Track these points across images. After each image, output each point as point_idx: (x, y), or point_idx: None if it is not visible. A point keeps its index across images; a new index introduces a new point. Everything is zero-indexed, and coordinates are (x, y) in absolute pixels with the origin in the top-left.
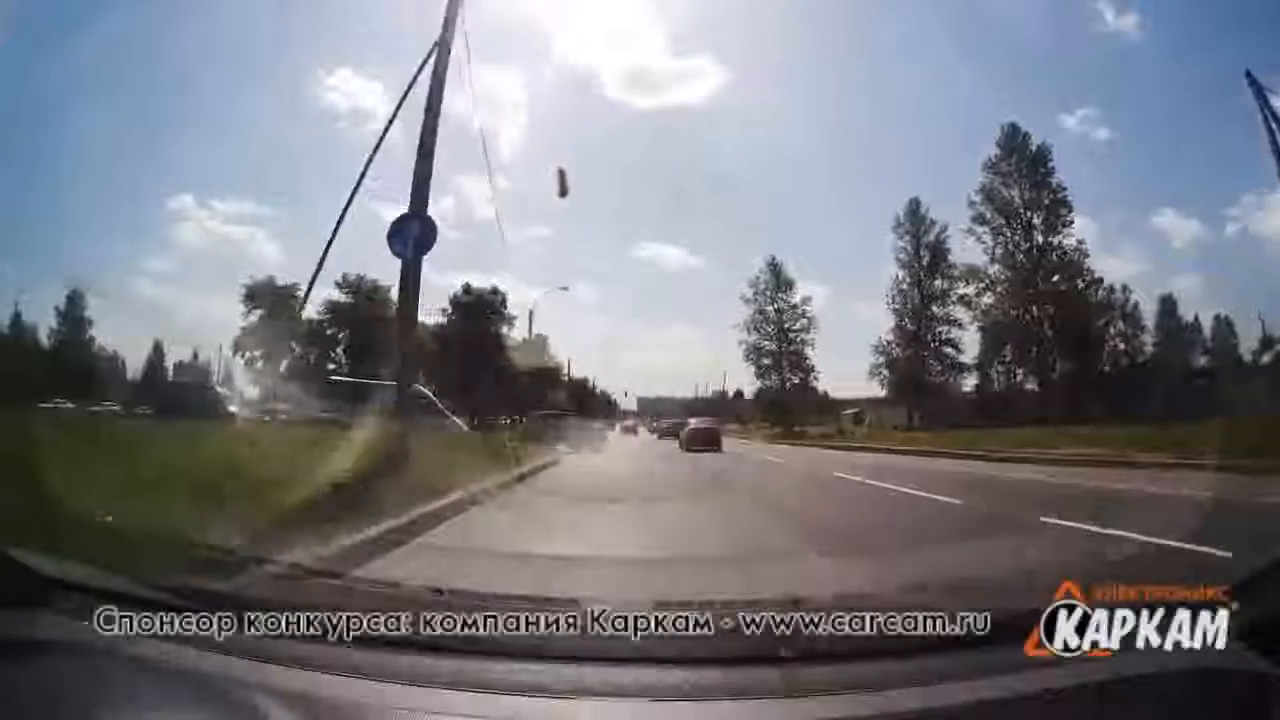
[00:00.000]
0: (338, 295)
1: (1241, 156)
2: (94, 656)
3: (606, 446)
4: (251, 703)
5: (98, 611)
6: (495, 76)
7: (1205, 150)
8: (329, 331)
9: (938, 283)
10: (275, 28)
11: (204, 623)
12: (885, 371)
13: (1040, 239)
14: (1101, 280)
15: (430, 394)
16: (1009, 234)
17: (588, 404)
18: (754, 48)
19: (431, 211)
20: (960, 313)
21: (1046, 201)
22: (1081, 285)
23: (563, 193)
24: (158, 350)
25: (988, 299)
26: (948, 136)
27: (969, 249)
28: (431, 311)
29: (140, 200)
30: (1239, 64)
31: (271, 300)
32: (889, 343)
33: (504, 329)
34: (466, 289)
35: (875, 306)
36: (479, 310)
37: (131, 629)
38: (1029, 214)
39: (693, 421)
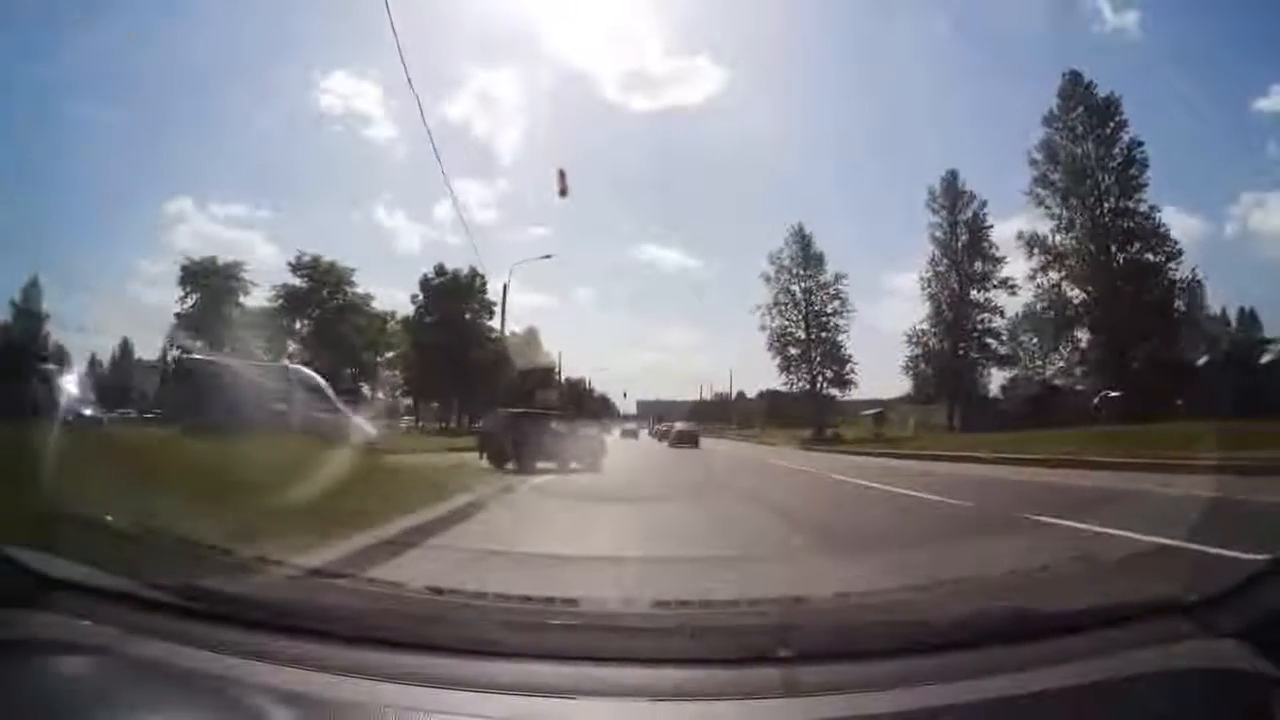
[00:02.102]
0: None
1: (1241, 154)
2: (94, 656)
3: (604, 460)
4: (251, 703)
5: (98, 611)
6: (493, 78)
7: (1205, 147)
8: (285, 321)
9: (978, 265)
10: (269, 29)
11: (204, 622)
12: (922, 365)
13: (1114, 202)
14: (1182, 252)
15: (314, 375)
16: (1079, 197)
17: (585, 406)
18: (750, 47)
19: (431, 214)
20: (1003, 298)
21: (1117, 160)
22: (1163, 257)
23: (563, 192)
24: (125, 346)
25: (1053, 274)
26: (946, 134)
27: (1011, 223)
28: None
29: (138, 203)
30: (1239, 61)
31: (212, 282)
32: (923, 332)
33: (485, 318)
34: (440, 270)
35: (875, 307)
36: (454, 295)
37: (131, 629)
38: (1099, 175)
39: (678, 425)
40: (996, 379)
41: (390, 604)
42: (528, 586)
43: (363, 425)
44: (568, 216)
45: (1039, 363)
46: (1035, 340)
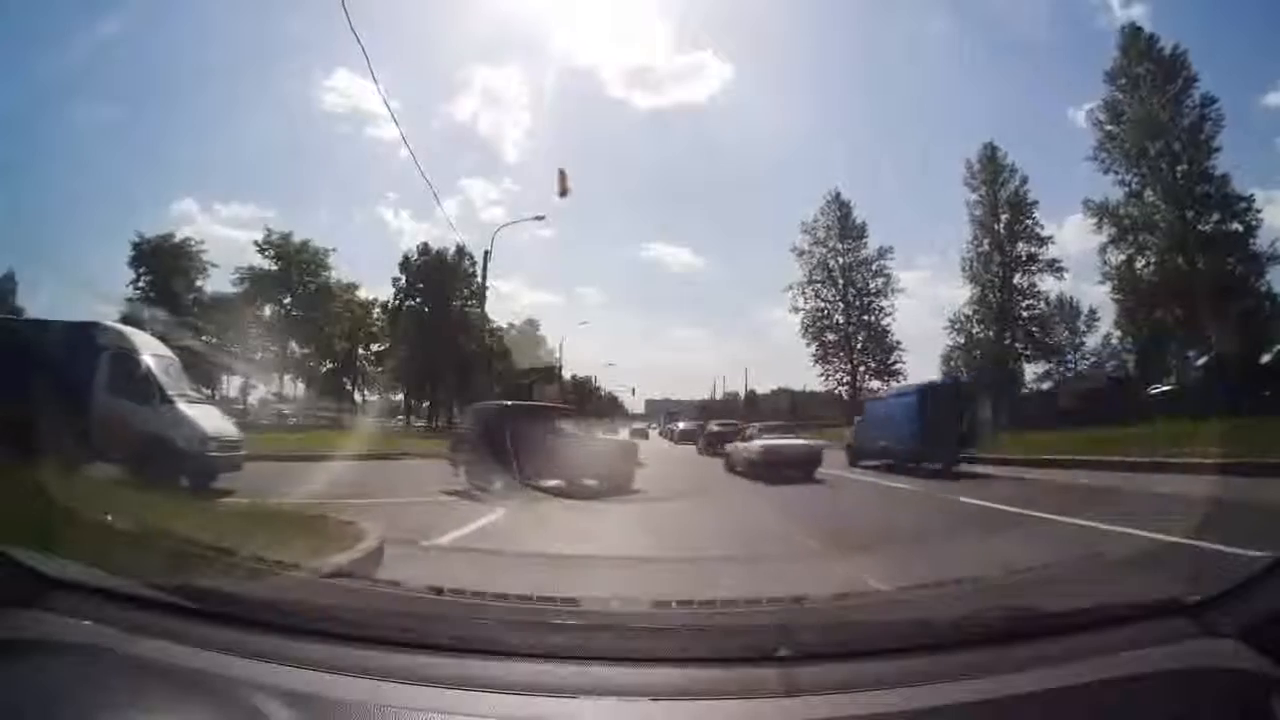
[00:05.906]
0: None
1: (1247, 152)
2: (94, 656)
3: (636, 475)
4: (251, 703)
5: (98, 611)
6: (498, 76)
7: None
8: (254, 306)
9: (1020, 246)
10: (270, 28)
11: (204, 623)
12: (958, 356)
13: (1187, 166)
14: (1263, 221)
15: (136, 338)
16: (1150, 161)
17: (591, 405)
18: (754, 42)
19: (435, 214)
20: (1049, 281)
21: (1187, 120)
22: (1242, 227)
23: (563, 193)
24: None
25: (1122, 251)
26: (953, 128)
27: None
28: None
29: (143, 204)
30: (1242, 58)
31: (168, 263)
32: (967, 317)
33: (475, 306)
34: (424, 249)
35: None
36: (440, 278)
37: (131, 629)
38: (1169, 136)
39: (680, 424)
40: (1027, 373)
41: (390, 604)
42: (528, 585)
43: (198, 423)
44: (574, 215)
45: (1070, 355)
46: (1066, 331)
